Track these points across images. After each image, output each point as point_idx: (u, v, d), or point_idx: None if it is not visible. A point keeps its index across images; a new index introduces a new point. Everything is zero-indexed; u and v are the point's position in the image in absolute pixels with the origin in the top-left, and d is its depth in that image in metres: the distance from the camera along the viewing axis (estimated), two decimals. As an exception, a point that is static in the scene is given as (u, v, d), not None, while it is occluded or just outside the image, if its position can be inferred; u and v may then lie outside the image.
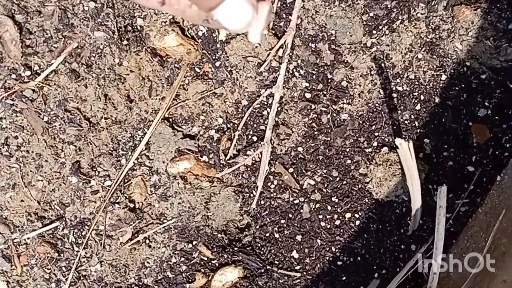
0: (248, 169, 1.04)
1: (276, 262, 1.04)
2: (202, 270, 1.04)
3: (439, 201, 0.99)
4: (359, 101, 1.02)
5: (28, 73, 1.02)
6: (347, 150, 1.03)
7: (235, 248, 1.03)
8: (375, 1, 1.00)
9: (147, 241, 1.04)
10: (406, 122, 1.03)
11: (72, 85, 1.02)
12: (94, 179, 1.03)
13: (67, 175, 1.03)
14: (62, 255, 1.03)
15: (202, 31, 1.02)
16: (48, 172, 1.03)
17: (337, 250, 1.03)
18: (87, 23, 1.01)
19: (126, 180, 1.03)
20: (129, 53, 1.02)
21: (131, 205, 1.04)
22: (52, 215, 1.04)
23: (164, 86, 1.03)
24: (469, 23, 1.00)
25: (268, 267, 1.03)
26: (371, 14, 1.00)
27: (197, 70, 1.03)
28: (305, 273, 1.03)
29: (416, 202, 1.00)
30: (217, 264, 1.04)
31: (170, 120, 1.04)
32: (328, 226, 1.03)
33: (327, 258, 1.03)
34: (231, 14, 0.44)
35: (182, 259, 1.04)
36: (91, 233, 1.03)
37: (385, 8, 1.00)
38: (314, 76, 1.02)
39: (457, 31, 1.00)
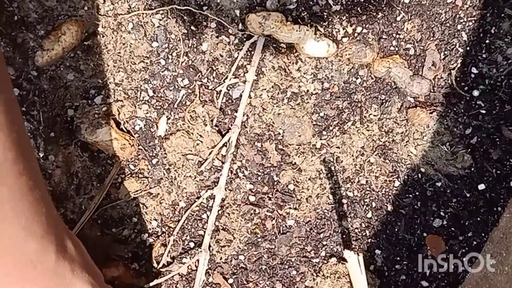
0: (183, 278, 0.94)
1: None
2: None
3: (390, 320, 0.91)
4: (306, 206, 0.94)
5: None
6: (293, 259, 0.94)
7: None
8: (325, 100, 0.94)
9: None
10: (356, 230, 0.95)
11: (-10, 180, 0.92)
12: (8, 286, 0.92)
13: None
14: None
15: (139, 125, 0.93)
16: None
17: None
18: (10, 112, 0.91)
19: (45, 288, 0.92)
20: (56, 146, 0.92)
21: (49, 318, 0.92)
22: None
23: (93, 184, 0.93)
24: (424, 127, 0.94)
25: None
26: (322, 114, 0.94)
27: (132, 167, 0.94)
28: None
29: (366, 320, 0.91)
30: None
31: (99, 221, 0.94)
32: None
33: None
34: None
35: None
36: None
37: (336, 108, 0.94)
38: (259, 178, 0.94)
39: (411, 135, 0.95)
